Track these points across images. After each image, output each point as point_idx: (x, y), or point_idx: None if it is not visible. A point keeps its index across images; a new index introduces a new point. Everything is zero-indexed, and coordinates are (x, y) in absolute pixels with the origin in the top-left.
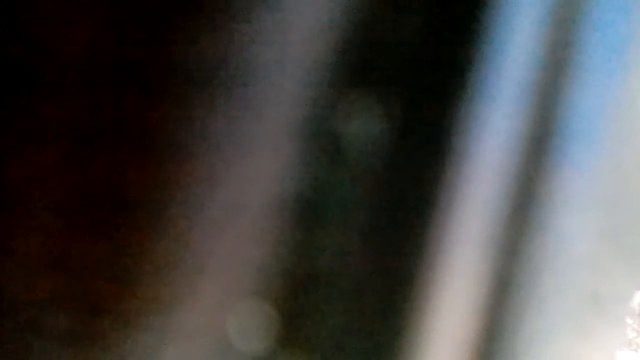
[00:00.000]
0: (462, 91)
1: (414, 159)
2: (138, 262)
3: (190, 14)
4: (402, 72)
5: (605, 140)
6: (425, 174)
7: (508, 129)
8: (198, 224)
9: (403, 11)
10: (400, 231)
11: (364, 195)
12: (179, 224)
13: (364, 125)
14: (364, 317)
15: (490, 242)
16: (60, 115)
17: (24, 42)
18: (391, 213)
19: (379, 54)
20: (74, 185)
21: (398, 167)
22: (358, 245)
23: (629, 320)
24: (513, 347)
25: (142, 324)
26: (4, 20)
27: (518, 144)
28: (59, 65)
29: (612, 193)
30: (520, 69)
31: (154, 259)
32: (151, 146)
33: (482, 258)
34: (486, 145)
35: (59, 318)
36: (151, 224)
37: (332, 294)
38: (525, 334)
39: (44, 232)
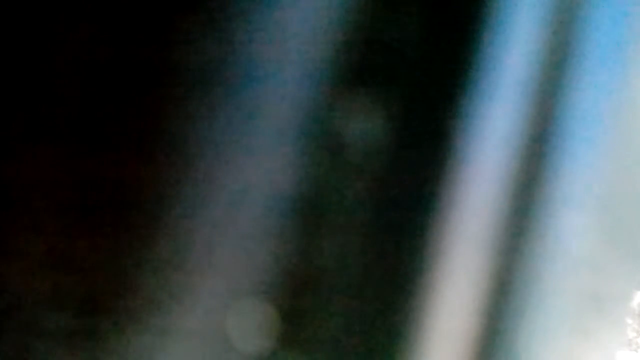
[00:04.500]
0: (462, 91)
1: (414, 159)
2: (138, 262)
3: (190, 14)
4: (402, 72)
5: (605, 140)
6: (425, 174)
7: (508, 129)
8: (198, 223)
9: (403, 11)
10: (400, 231)
11: (364, 195)
12: (179, 223)
13: (364, 125)
14: (364, 317)
15: (490, 242)
16: (60, 115)
17: (23, 42)
18: (391, 213)
19: (379, 54)
20: (74, 185)
21: (398, 167)
22: (358, 245)
23: (629, 320)
24: (513, 347)
25: (142, 324)
26: (4, 20)
27: (518, 144)
28: (60, 67)
29: (612, 193)
30: (520, 69)
31: (154, 258)
32: (151, 146)
33: (482, 258)
34: (486, 145)
35: (59, 318)
36: (151, 223)
37: (332, 294)
38: (525, 334)
39: (44, 232)
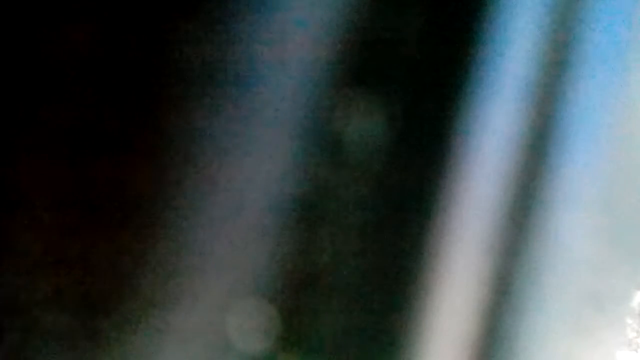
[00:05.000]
0: (462, 91)
1: (414, 159)
2: (138, 262)
3: (189, 14)
4: (402, 72)
5: (605, 140)
6: (425, 173)
7: (508, 129)
8: (198, 223)
9: (403, 11)
10: (400, 231)
11: (364, 195)
12: (179, 224)
13: (364, 125)
14: (364, 317)
15: (490, 242)
16: (60, 116)
17: (23, 42)
18: (391, 213)
19: (379, 54)
20: (74, 185)
21: (398, 167)
22: (358, 245)
23: (629, 320)
24: (513, 347)
25: (142, 324)
26: (5, 21)
27: (518, 144)
28: (59, 66)
29: (612, 193)
30: (520, 69)
31: (154, 258)
32: (151, 146)
33: (482, 258)
34: (486, 145)
35: (59, 318)
36: (151, 224)
37: (332, 294)
38: (525, 334)
39: (44, 232)
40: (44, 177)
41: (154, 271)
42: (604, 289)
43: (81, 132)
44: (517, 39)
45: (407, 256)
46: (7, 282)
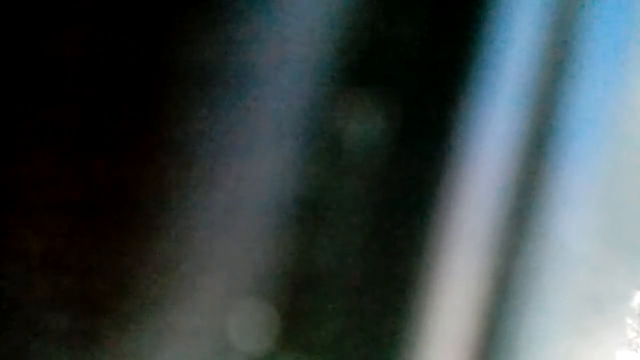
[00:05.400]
0: (462, 91)
1: (414, 159)
2: (138, 262)
3: (189, 14)
4: (402, 72)
5: (605, 140)
6: (425, 174)
7: (508, 129)
8: (198, 224)
9: (403, 11)
10: (400, 231)
11: (364, 195)
12: (179, 224)
13: (364, 125)
14: (364, 317)
15: (490, 242)
16: (60, 116)
17: (23, 42)
18: (391, 213)
19: (379, 54)
20: (74, 185)
21: (398, 167)
22: (358, 245)
23: (629, 320)
24: (513, 347)
25: (142, 324)
26: (5, 21)
27: (518, 144)
28: (59, 66)
29: (612, 193)
30: (520, 69)
31: (154, 259)
32: (151, 146)
33: (482, 258)
34: (486, 145)
35: (59, 318)
36: (151, 224)
37: (332, 294)
38: (525, 334)
39: (44, 232)
40: (44, 177)
41: (154, 271)
42: (604, 289)
43: (81, 132)
44: (517, 39)
45: (407, 256)
46: (7, 282)
